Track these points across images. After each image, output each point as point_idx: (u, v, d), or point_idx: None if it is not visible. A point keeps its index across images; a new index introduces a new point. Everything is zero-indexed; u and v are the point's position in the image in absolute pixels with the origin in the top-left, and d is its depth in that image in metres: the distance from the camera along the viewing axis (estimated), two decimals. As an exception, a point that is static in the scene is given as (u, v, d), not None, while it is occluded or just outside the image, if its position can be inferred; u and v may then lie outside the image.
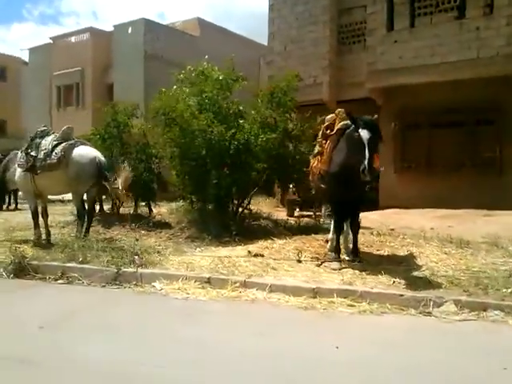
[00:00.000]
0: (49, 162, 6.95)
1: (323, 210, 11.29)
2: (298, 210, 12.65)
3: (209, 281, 4.73)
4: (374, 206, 12.31)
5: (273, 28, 15.09)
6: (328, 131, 5.57)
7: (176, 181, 9.32)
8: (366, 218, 10.25)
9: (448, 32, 11.57)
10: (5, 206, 14.83)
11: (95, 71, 25.88)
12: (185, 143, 8.20)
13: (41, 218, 7.60)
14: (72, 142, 7.21)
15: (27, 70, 37.44)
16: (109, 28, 26.61)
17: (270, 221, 9.35)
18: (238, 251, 6.44)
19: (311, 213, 12.12)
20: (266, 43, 31.41)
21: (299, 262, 5.63)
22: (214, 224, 7.83)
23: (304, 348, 3.11)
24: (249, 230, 8.04)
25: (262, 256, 5.91)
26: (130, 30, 24.60)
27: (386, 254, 6.31)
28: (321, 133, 5.68)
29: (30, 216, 7.65)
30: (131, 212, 11.20)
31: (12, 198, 15.89)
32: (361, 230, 6.75)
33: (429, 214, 10.72)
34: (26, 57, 36.02)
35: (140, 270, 5.02)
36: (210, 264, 5.45)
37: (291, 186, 10.64)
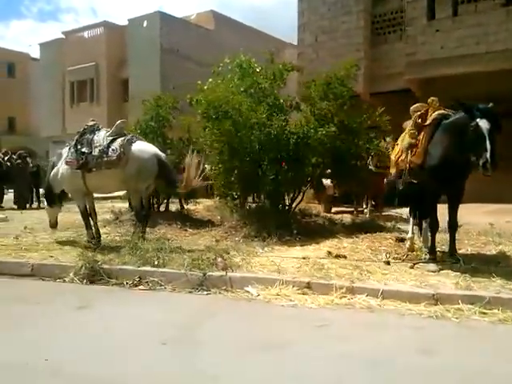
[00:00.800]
0: (106, 159, 6.52)
1: (367, 205, 10.93)
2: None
3: (309, 286, 4.35)
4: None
5: (303, 19, 14.66)
6: (420, 120, 5.17)
7: (221, 177, 8.94)
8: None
9: (494, 20, 11.15)
10: (28, 205, 14.52)
11: (110, 66, 25.47)
12: (238, 137, 7.80)
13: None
14: (128, 137, 6.79)
15: (38, 66, 37.08)
16: (122, 22, 26.18)
17: (322, 218, 9.01)
18: (310, 251, 6.08)
19: (348, 208, 11.76)
20: (276, 36, 31.04)
21: (387, 263, 5.25)
22: (271, 222, 7.44)
23: None
24: (307, 228, 7.68)
25: (345, 257, 5.53)
26: (145, 24, 24.20)
27: (470, 252, 5.94)
28: (413, 123, 5.28)
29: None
30: (166, 209, 10.86)
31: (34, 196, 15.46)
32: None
33: (479, 210, 10.33)
34: (33, 53, 35.68)
35: (229, 274, 4.64)
36: (295, 266, 5.09)
37: (330, 181, 10.26)
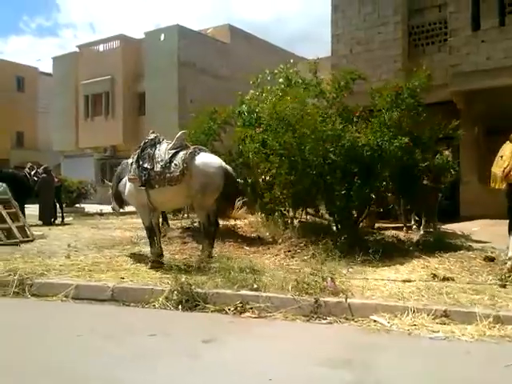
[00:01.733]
0: (169, 175, 6.11)
1: (417, 221, 10.48)
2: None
3: (446, 314, 3.88)
4: (451, 216, 11.50)
5: (337, 30, 14.37)
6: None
7: (273, 192, 8.53)
8: (465, 229, 9.51)
9: (545, 30, 10.85)
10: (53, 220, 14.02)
11: (125, 79, 25.15)
12: (301, 150, 7.39)
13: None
14: (191, 149, 6.36)
15: (48, 80, 36.78)
16: (137, 35, 25.95)
17: (384, 235, 8.57)
18: (405, 273, 5.63)
19: (391, 224, 11.31)
20: (289, 50, 30.90)
21: (503, 286, 4.80)
22: (339, 240, 6.98)
23: None
24: (378, 247, 7.22)
25: (453, 280, 5.07)
26: (162, 37, 23.94)
27: None
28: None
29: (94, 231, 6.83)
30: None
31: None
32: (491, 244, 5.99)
33: None
34: (42, 67, 35.49)
35: (349, 300, 4.16)
36: (406, 291, 4.62)
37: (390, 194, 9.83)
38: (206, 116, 9.79)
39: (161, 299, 4.63)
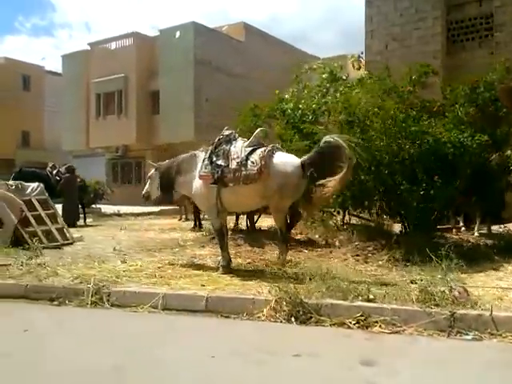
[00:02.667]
0: (245, 173, 5.65)
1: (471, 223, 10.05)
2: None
3: None
4: (496, 218, 11.08)
5: (371, 26, 13.97)
6: None
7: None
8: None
9: None
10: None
11: (139, 78, 24.63)
12: (368, 148, 6.94)
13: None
14: (269, 147, 5.92)
15: (54, 79, 36.25)
16: (151, 33, 25.48)
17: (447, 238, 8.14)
18: (509, 279, 5.19)
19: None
20: (304, 49, 30.49)
21: None
22: (420, 245, 6.52)
23: None
24: (459, 251, 6.78)
25: None
26: (177, 35, 23.45)
27: None
28: None
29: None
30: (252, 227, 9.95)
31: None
32: None
33: None
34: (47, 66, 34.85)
35: (494, 314, 3.71)
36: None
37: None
38: (249, 112, 9.31)
39: (266, 310, 4.16)
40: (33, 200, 8.67)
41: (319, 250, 7.77)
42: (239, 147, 5.91)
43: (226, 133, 6.12)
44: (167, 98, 23.62)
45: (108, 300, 4.76)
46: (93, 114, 26.31)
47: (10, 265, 6.23)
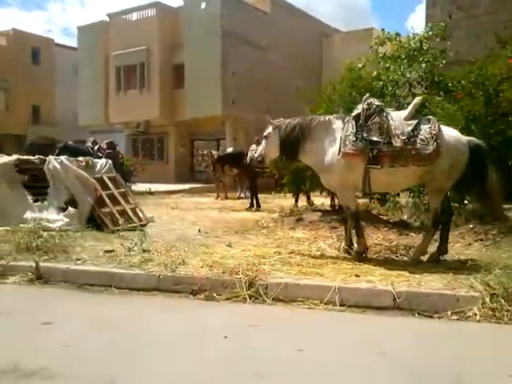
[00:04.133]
0: (414, 152, 4.86)
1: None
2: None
3: None
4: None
5: (433, -7, 13.08)
6: None
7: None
8: None
9: None
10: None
11: (162, 50, 23.61)
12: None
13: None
14: (434, 122, 5.09)
15: (65, 52, 35.06)
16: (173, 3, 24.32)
17: None
18: None
19: None
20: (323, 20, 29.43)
21: None
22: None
23: None
24: None
25: None
26: (203, 5, 22.37)
27: None
28: None
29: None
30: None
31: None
32: None
33: None
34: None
35: None
36: None
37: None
38: (346, 81, 8.55)
39: (476, 309, 3.55)
40: (104, 178, 7.98)
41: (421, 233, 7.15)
42: (399, 120, 5.12)
43: (377, 102, 5.29)
44: (192, 72, 22.64)
45: (266, 293, 4.13)
46: (112, 88, 25.33)
47: (114, 251, 5.58)
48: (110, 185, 7.93)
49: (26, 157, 8.26)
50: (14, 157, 7.97)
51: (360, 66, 10.46)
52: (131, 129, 25.56)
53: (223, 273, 4.47)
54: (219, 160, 12.31)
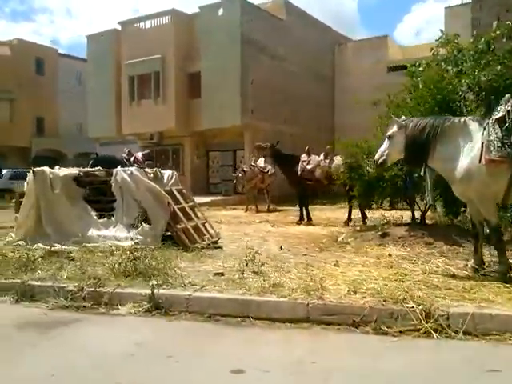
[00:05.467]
0: None
1: None
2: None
3: None
4: None
5: (480, -5, 12.68)
6: None
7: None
8: None
9: None
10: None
11: (177, 58, 23.04)
12: None
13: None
14: None
15: (69, 62, 34.45)
16: (189, 10, 23.79)
17: None
18: None
19: None
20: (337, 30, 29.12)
21: None
22: None
23: None
24: None
25: None
26: (220, 12, 21.88)
27: None
28: None
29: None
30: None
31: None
32: None
33: None
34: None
35: None
36: None
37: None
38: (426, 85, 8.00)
39: None
40: (174, 191, 7.33)
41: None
42: None
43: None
44: (210, 80, 22.06)
45: (448, 326, 3.52)
46: (125, 98, 24.64)
47: (223, 274, 4.96)
48: (180, 198, 7.28)
49: (86, 169, 7.58)
50: (75, 169, 7.29)
51: (421, 69, 9.96)
52: (144, 140, 24.85)
53: (384, 301, 3.84)
54: (276, 160, 11.77)
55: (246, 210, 15.73)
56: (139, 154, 12.92)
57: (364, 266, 5.55)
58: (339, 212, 13.89)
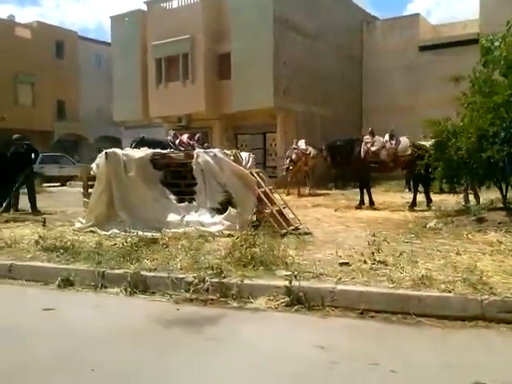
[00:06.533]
0: None
1: None
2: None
3: None
4: None
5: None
6: None
7: None
8: None
9: None
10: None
11: (207, 39, 22.39)
12: None
13: None
14: None
15: (88, 45, 33.92)
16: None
17: None
18: None
19: None
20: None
21: None
22: None
23: None
24: None
25: None
26: (252, -11, 21.13)
27: None
28: None
29: None
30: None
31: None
32: None
33: None
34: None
35: None
36: None
37: None
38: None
39: None
40: (254, 173, 6.86)
41: None
42: None
43: None
44: (240, 61, 21.40)
45: None
46: (152, 80, 24.07)
47: (349, 263, 4.51)
48: (261, 182, 6.82)
49: (164, 151, 7.13)
50: (150, 151, 6.83)
51: (497, 44, 9.34)
52: (172, 123, 24.32)
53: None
54: (330, 150, 11.01)
55: (288, 194, 15.24)
56: (184, 137, 12.40)
57: (485, 254, 5.07)
58: (389, 196, 13.41)
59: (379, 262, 4.52)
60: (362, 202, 10.69)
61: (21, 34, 30.85)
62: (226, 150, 6.87)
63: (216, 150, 6.55)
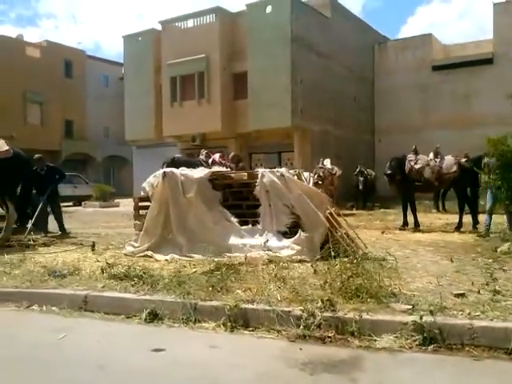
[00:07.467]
0: None
1: None
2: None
3: None
4: None
5: None
6: None
7: None
8: None
9: None
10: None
11: (222, 58, 22.26)
12: None
13: None
14: None
15: (97, 64, 33.85)
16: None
17: None
18: None
19: None
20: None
21: None
22: None
23: None
24: None
25: None
26: (268, 9, 21.10)
27: None
28: None
29: None
30: None
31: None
32: None
33: None
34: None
35: None
36: None
37: None
38: None
39: None
40: (318, 194, 6.47)
41: None
42: None
43: None
44: (257, 80, 21.23)
45: None
46: (166, 99, 23.84)
47: (464, 294, 4.10)
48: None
49: (223, 169, 6.76)
50: (208, 170, 6.46)
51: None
52: (185, 142, 24.04)
53: None
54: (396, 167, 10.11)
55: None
56: (216, 156, 12.05)
57: None
58: (420, 216, 13.00)
59: (496, 291, 4.13)
60: (405, 222, 10.30)
61: (30, 53, 30.72)
62: (290, 170, 6.49)
63: (283, 170, 6.17)
